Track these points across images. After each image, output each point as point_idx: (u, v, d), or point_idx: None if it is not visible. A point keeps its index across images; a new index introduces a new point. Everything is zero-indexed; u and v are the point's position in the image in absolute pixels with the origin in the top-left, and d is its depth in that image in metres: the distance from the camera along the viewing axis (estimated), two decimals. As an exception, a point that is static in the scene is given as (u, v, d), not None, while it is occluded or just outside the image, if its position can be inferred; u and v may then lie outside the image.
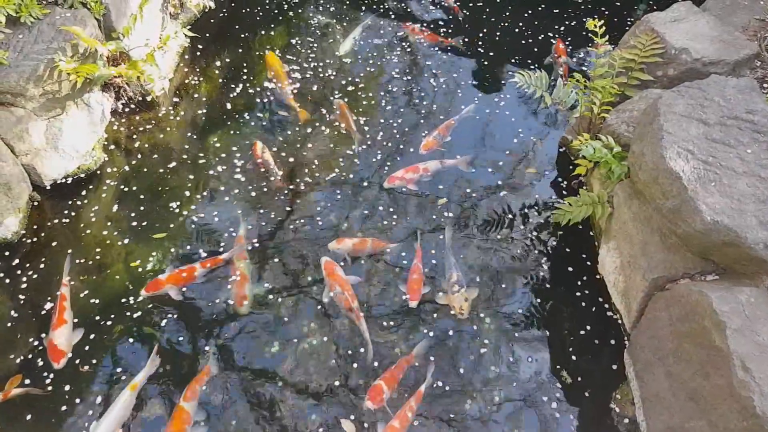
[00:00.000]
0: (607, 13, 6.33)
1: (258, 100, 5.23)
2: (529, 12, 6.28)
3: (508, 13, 6.27)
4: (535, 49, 5.89)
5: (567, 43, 5.86)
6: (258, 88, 5.31)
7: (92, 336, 3.68)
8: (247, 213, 4.37)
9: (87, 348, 3.63)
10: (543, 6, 6.25)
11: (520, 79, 4.45)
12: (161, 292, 3.86)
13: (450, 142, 4.93)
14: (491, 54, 5.82)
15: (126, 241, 4.17)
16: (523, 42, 5.97)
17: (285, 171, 4.66)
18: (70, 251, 4.03)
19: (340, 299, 3.84)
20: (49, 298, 3.82)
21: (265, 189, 4.53)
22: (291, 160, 4.75)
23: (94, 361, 3.58)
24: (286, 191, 4.52)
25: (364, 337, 3.72)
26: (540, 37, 6.00)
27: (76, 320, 3.72)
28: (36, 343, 3.64)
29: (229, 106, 5.17)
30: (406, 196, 4.55)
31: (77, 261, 4.02)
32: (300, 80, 5.40)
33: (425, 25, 6.11)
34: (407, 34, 5.99)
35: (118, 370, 3.57)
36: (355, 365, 3.63)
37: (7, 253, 4.05)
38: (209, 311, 3.85)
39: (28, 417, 3.35)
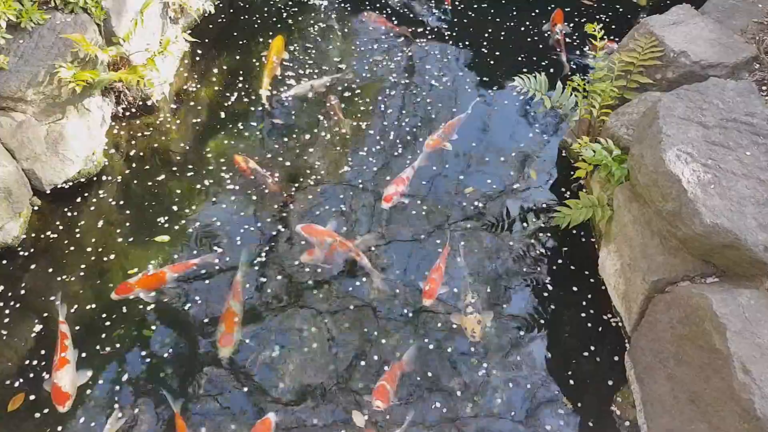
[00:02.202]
0: (621, 10, 6.35)
1: (256, 106, 5.23)
2: (537, 11, 6.29)
3: (514, 13, 6.28)
4: (540, 46, 5.91)
5: (575, 38, 5.88)
6: (254, 96, 5.30)
7: (93, 339, 3.68)
8: (246, 216, 4.38)
9: (89, 352, 3.62)
10: (552, 6, 6.27)
11: (519, 82, 4.46)
12: (132, 295, 3.84)
13: (452, 142, 4.94)
14: (497, 53, 5.83)
15: (126, 245, 4.17)
16: (529, 40, 5.98)
17: (283, 175, 4.67)
18: (58, 295, 3.87)
19: (335, 247, 3.95)
20: (49, 302, 3.84)
21: (266, 190, 4.54)
22: (288, 164, 4.76)
23: (94, 366, 3.58)
24: (284, 194, 4.52)
25: (366, 267, 3.99)
26: (547, 35, 6.01)
27: (78, 327, 3.72)
28: (37, 352, 3.64)
29: (228, 111, 5.18)
30: (409, 195, 4.55)
31: (77, 265, 4.04)
32: (295, 86, 5.39)
33: (428, 27, 6.14)
34: (367, 20, 6.16)
35: (119, 376, 3.56)
36: (355, 366, 3.63)
37: (8, 258, 4.05)
38: (208, 316, 3.86)
39: (30, 427, 3.34)
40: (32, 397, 3.43)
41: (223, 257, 4.12)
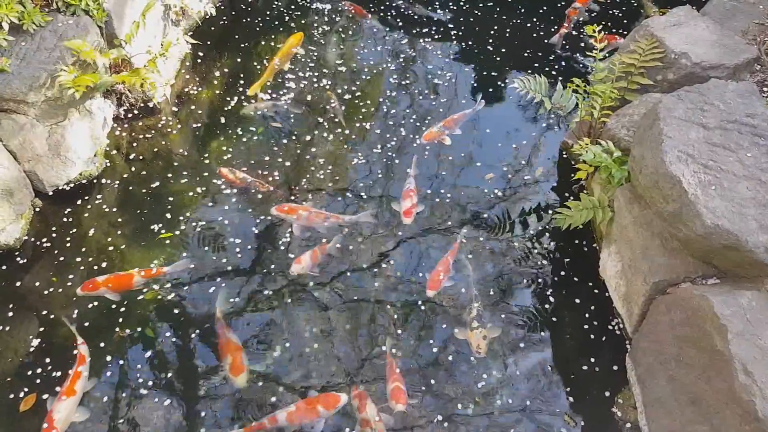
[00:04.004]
0: (634, 5, 6.40)
1: (256, 109, 5.20)
2: (545, 8, 6.31)
3: (521, 10, 6.31)
4: (545, 41, 5.93)
5: (581, 36, 5.93)
6: (253, 99, 5.29)
7: (94, 341, 3.68)
8: (246, 218, 4.38)
9: (90, 354, 3.63)
10: (563, 3, 6.28)
11: (519, 84, 4.46)
12: (96, 294, 3.84)
13: (449, 144, 4.94)
14: (503, 50, 5.85)
15: (127, 246, 4.18)
16: (535, 36, 6.00)
17: (283, 177, 4.67)
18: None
19: (312, 218, 4.15)
20: (50, 303, 3.85)
21: (259, 193, 4.56)
22: (287, 164, 4.77)
23: (95, 369, 3.58)
24: (284, 194, 4.54)
25: (350, 221, 4.26)
26: (553, 29, 6.02)
27: (81, 327, 3.71)
28: (39, 353, 3.65)
29: (228, 113, 5.18)
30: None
31: (79, 266, 4.04)
32: (294, 89, 5.39)
33: (433, 28, 6.18)
34: (345, 9, 6.33)
35: (121, 378, 3.56)
36: (356, 366, 3.64)
37: (10, 259, 4.06)
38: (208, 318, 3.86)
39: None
40: (45, 397, 3.43)
41: (193, 264, 4.09)
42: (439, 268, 4.02)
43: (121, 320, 3.79)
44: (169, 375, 3.58)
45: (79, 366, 3.48)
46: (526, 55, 5.81)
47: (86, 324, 3.74)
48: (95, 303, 3.85)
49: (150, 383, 3.54)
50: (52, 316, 3.79)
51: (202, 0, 5.67)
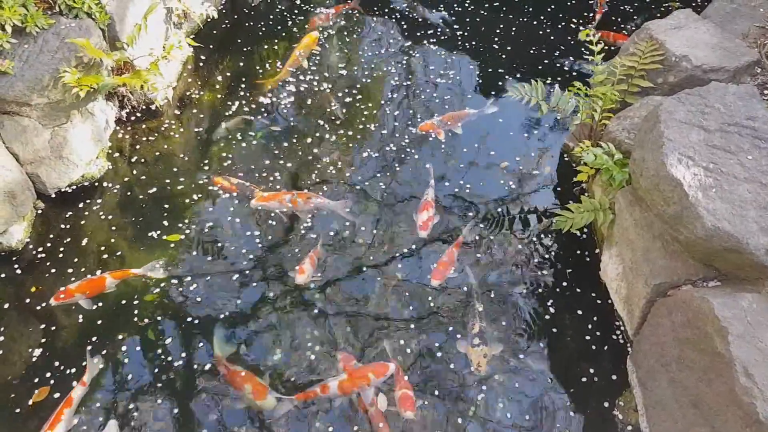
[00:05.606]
0: (647, 0, 6.45)
1: (257, 114, 5.22)
2: (553, 6, 6.34)
3: (529, 8, 6.34)
4: (552, 38, 5.95)
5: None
6: (254, 104, 5.30)
7: (96, 344, 3.70)
8: (247, 221, 4.39)
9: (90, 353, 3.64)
10: (571, 0, 6.29)
11: (513, 92, 4.47)
12: (71, 302, 3.83)
13: (452, 144, 4.94)
14: (508, 48, 5.88)
15: (129, 248, 4.19)
16: (541, 33, 6.03)
17: (286, 179, 4.68)
18: (89, 347, 3.65)
19: (295, 202, 4.30)
20: (49, 312, 3.85)
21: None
22: (289, 165, 4.78)
23: (99, 369, 3.59)
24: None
25: (327, 207, 4.37)
26: (560, 26, 6.04)
27: (79, 328, 3.73)
28: (43, 355, 3.66)
29: (230, 117, 5.19)
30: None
31: (80, 269, 4.06)
32: (294, 93, 5.41)
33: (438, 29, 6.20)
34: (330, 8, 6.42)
35: (122, 380, 3.57)
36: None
37: (12, 261, 4.07)
38: (207, 317, 3.86)
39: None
40: (56, 395, 3.45)
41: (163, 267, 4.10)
42: (444, 258, 4.06)
43: (124, 321, 3.81)
44: (170, 377, 3.59)
45: (65, 407, 3.33)
46: (532, 52, 5.81)
47: (96, 325, 3.76)
48: (99, 304, 3.87)
49: (150, 385, 3.55)
50: (53, 325, 3.79)
51: (204, 3, 5.69)
